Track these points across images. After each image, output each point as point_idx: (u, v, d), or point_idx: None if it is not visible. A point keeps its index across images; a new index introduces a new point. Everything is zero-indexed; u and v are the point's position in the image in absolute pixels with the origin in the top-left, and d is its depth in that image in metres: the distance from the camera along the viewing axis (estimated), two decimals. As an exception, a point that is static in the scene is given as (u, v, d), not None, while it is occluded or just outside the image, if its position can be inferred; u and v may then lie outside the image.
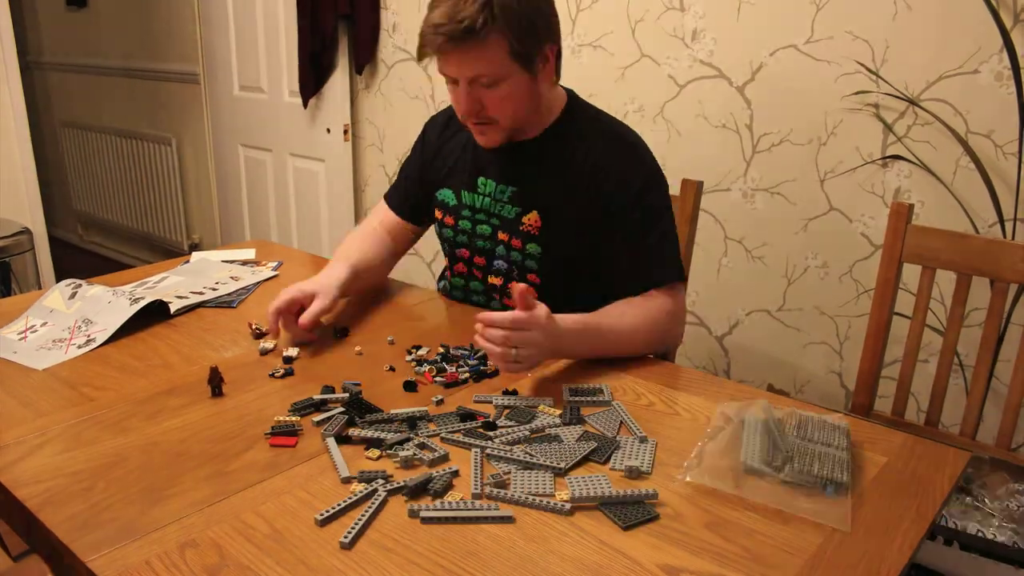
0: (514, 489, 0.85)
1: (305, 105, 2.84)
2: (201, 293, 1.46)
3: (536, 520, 0.81)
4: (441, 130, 1.45)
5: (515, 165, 1.32)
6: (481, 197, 1.36)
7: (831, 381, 1.98)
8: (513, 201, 1.33)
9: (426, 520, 0.80)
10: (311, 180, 2.99)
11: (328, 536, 0.78)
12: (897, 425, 1.40)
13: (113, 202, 4.16)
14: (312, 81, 2.78)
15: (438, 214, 1.43)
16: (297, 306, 1.23)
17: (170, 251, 3.87)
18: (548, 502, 0.83)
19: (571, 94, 1.36)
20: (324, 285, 1.27)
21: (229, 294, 1.46)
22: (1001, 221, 1.62)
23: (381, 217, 1.51)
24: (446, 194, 1.41)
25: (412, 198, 1.48)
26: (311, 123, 2.91)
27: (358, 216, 2.96)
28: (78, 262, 4.25)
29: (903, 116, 1.74)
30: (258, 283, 1.53)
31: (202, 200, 3.68)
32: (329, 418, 0.99)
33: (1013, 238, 1.64)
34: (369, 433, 0.95)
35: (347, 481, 0.87)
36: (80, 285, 1.39)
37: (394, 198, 1.51)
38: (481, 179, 1.36)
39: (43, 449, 0.92)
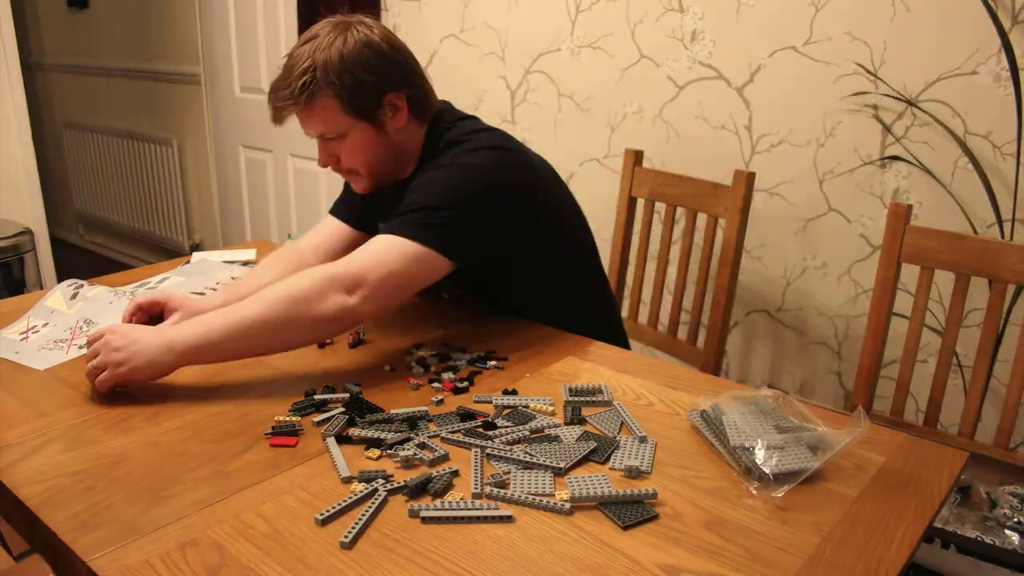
0: (514, 489, 0.85)
1: (305, 106, 2.84)
2: (202, 294, 1.46)
3: (536, 520, 0.82)
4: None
5: (397, 204, 1.25)
6: None
7: (831, 381, 1.98)
8: None
9: (426, 520, 0.81)
10: (311, 180, 3.00)
11: (328, 536, 0.78)
12: (896, 425, 1.40)
13: (114, 203, 4.16)
14: (312, 82, 2.78)
15: None
16: (156, 310, 1.23)
17: (171, 251, 3.88)
18: (548, 502, 0.83)
19: (434, 119, 1.32)
20: (186, 305, 1.22)
21: None
22: (999, 222, 1.63)
23: (324, 234, 1.44)
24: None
25: (360, 211, 1.44)
26: (311, 124, 2.91)
27: (358, 217, 2.96)
28: (79, 262, 4.25)
29: (901, 117, 1.74)
30: None
31: (203, 200, 3.69)
32: (329, 418, 0.99)
33: (1011, 239, 1.64)
34: (369, 433, 0.95)
35: (347, 481, 0.87)
36: (81, 285, 1.39)
37: (342, 210, 1.46)
38: (381, 224, 1.27)
39: (43, 449, 0.93)
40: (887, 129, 1.77)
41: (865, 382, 1.47)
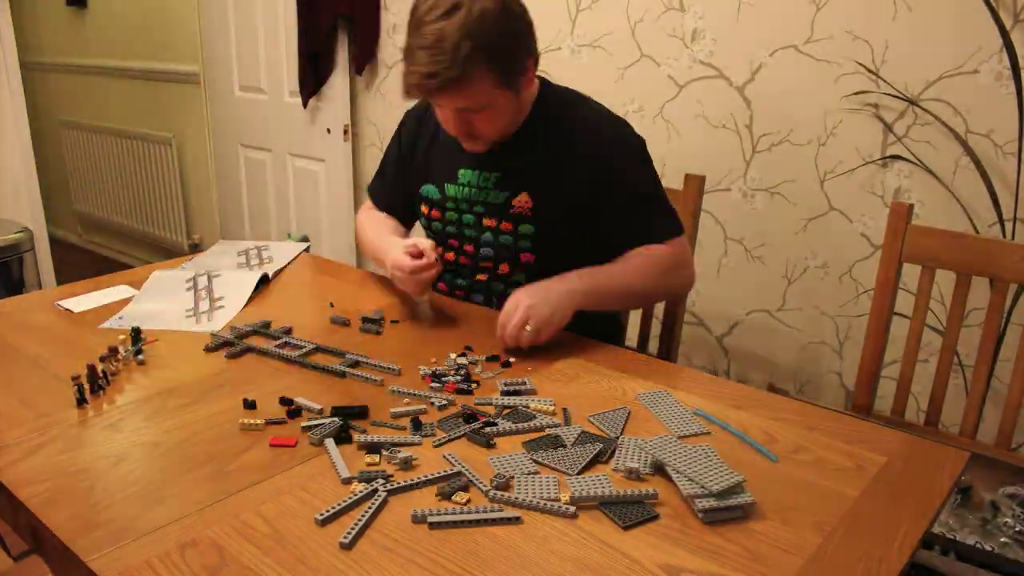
0: (519, 492, 0.85)
1: (305, 105, 2.84)
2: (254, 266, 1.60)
3: (537, 520, 0.81)
4: (417, 126, 1.48)
5: (496, 152, 1.36)
6: (462, 188, 1.40)
7: (831, 381, 1.98)
8: (500, 186, 1.36)
9: (434, 526, 0.80)
10: (311, 180, 2.99)
11: (328, 536, 0.78)
12: (897, 425, 1.40)
13: (113, 202, 4.16)
14: (312, 81, 2.78)
15: (424, 209, 1.47)
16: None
17: (170, 251, 3.87)
18: (555, 506, 0.83)
19: (542, 81, 1.40)
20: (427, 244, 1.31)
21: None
22: (1001, 221, 1.63)
23: (369, 207, 1.56)
24: (429, 189, 1.45)
25: (399, 198, 1.52)
26: (311, 123, 2.91)
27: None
28: (78, 262, 4.25)
29: (903, 116, 1.74)
30: (293, 259, 1.66)
31: (202, 200, 3.69)
32: (317, 425, 0.98)
33: (1013, 238, 1.64)
34: (370, 438, 0.94)
35: (347, 482, 0.87)
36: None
37: (383, 200, 1.55)
38: (461, 170, 1.39)
39: (43, 449, 0.93)
40: (888, 128, 1.77)
41: (866, 382, 1.47)
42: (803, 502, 0.85)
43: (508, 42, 1.20)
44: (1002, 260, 1.33)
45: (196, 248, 3.79)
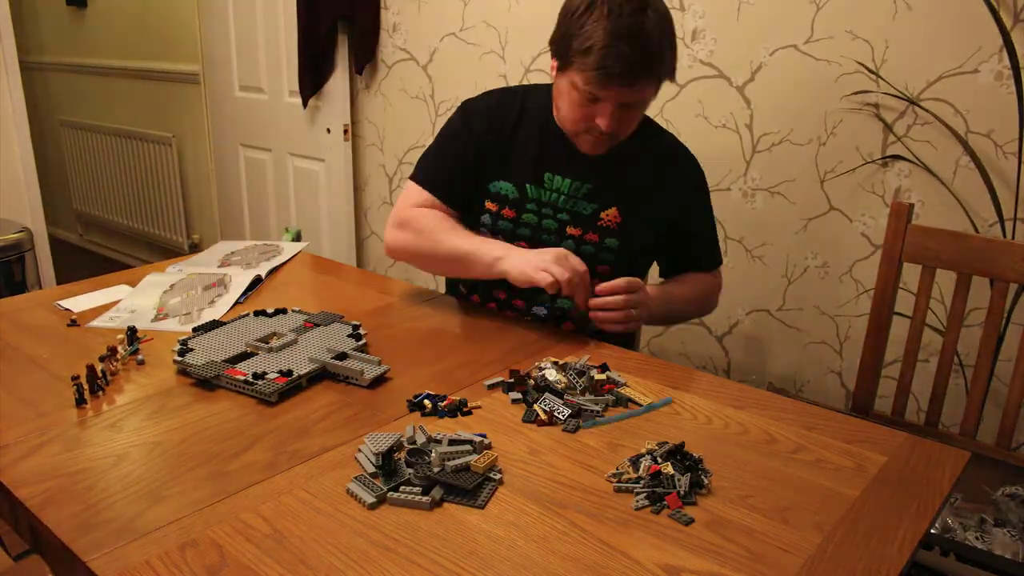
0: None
1: (305, 105, 2.84)
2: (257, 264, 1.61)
3: (536, 520, 0.81)
4: (488, 121, 1.40)
5: (590, 163, 1.36)
6: (549, 192, 1.38)
7: (831, 381, 1.98)
8: (590, 197, 1.37)
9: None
10: (311, 180, 2.99)
11: (328, 536, 0.78)
12: (897, 425, 1.40)
13: (113, 202, 4.16)
14: (312, 81, 2.78)
15: (491, 205, 1.40)
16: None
17: (170, 251, 3.88)
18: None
19: None
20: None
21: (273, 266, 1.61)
22: (1001, 221, 1.63)
23: (418, 202, 1.41)
24: (503, 186, 1.39)
25: (460, 185, 1.41)
26: (311, 123, 2.91)
27: (358, 216, 2.96)
28: (78, 262, 4.25)
29: (903, 116, 1.74)
30: (289, 258, 1.67)
31: (202, 200, 3.69)
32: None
33: (1013, 238, 1.64)
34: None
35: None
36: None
37: (438, 185, 1.41)
38: (548, 175, 1.38)
39: (43, 449, 0.93)
40: (888, 128, 1.77)
41: (866, 382, 1.47)
42: (803, 502, 0.85)
43: (674, 44, 1.27)
44: (1002, 260, 1.33)
45: (196, 248, 3.79)
